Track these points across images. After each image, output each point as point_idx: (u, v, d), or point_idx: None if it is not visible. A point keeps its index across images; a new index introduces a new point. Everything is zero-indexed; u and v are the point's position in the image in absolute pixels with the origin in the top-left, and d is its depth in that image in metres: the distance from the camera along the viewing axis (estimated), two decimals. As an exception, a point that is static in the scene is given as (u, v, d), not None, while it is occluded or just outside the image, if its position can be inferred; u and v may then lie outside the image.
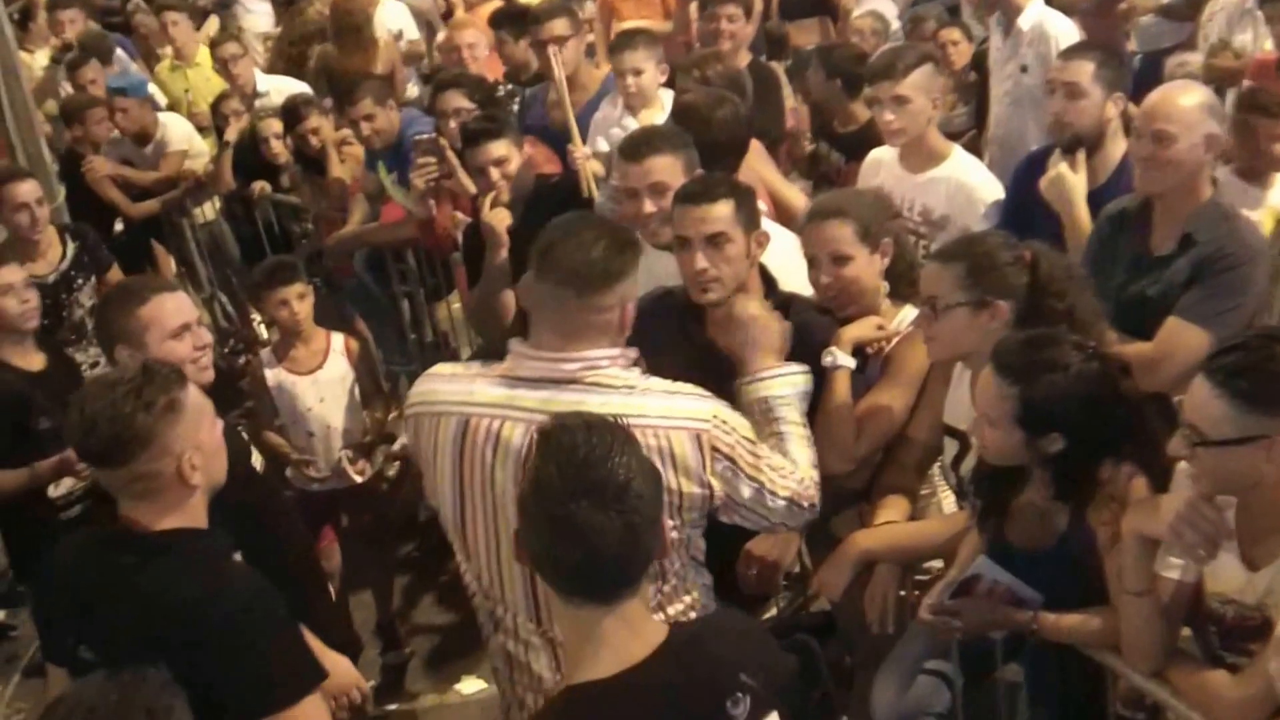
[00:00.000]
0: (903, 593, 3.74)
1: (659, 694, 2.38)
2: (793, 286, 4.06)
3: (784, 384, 3.46)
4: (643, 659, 2.37)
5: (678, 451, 3.09)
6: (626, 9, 8.84)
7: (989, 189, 5.00)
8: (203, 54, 9.52)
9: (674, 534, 3.08)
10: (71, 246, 6.40)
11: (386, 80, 7.65)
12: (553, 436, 2.41)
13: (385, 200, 6.85)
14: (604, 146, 5.82)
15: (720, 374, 3.71)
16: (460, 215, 5.92)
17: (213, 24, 10.86)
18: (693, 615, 3.24)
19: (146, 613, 2.85)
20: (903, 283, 4.00)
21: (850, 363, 3.81)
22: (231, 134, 8.03)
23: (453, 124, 6.04)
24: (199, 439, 3.03)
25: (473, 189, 5.62)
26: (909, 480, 3.92)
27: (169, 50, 9.82)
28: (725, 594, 3.91)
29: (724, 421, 3.18)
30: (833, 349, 3.79)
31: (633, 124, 5.70)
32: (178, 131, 8.51)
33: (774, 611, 4.23)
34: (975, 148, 6.31)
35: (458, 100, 6.18)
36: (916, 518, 3.91)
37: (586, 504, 2.29)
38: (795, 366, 3.50)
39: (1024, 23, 6.20)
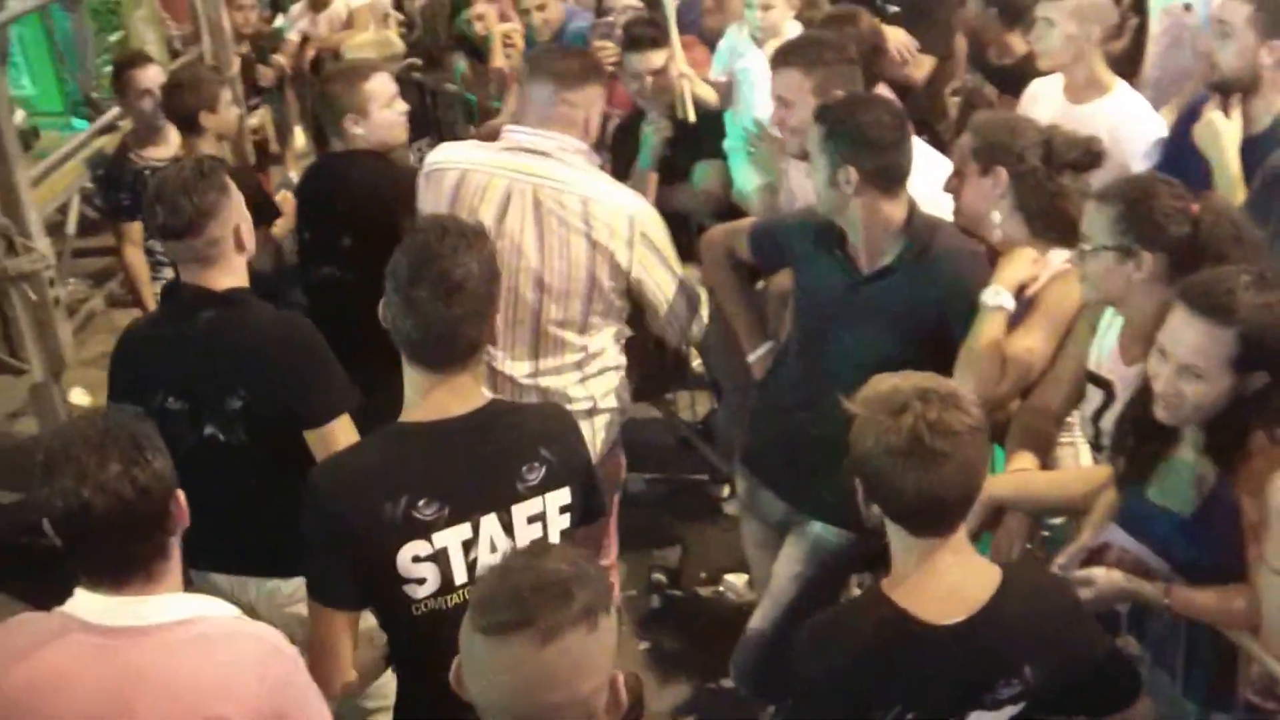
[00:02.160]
0: (1029, 546, 3.31)
1: (461, 442, 2.65)
2: (939, 212, 3.65)
3: None
4: (458, 414, 2.66)
5: (616, 224, 3.74)
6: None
7: (1151, 126, 4.43)
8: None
9: (593, 316, 3.82)
10: None
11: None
12: (417, 232, 2.69)
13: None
14: (721, 77, 5.31)
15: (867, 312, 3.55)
16: (611, 109, 5.59)
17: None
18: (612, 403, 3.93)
19: (227, 354, 3.31)
20: (1037, 220, 3.51)
21: (1012, 304, 3.39)
22: None
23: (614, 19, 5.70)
24: (244, 213, 3.44)
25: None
26: (1047, 426, 3.42)
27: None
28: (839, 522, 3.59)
29: (653, 219, 3.84)
30: (999, 287, 3.39)
31: (756, 56, 5.12)
32: None
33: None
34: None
35: None
36: (1049, 468, 3.43)
37: (424, 292, 2.58)
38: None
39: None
